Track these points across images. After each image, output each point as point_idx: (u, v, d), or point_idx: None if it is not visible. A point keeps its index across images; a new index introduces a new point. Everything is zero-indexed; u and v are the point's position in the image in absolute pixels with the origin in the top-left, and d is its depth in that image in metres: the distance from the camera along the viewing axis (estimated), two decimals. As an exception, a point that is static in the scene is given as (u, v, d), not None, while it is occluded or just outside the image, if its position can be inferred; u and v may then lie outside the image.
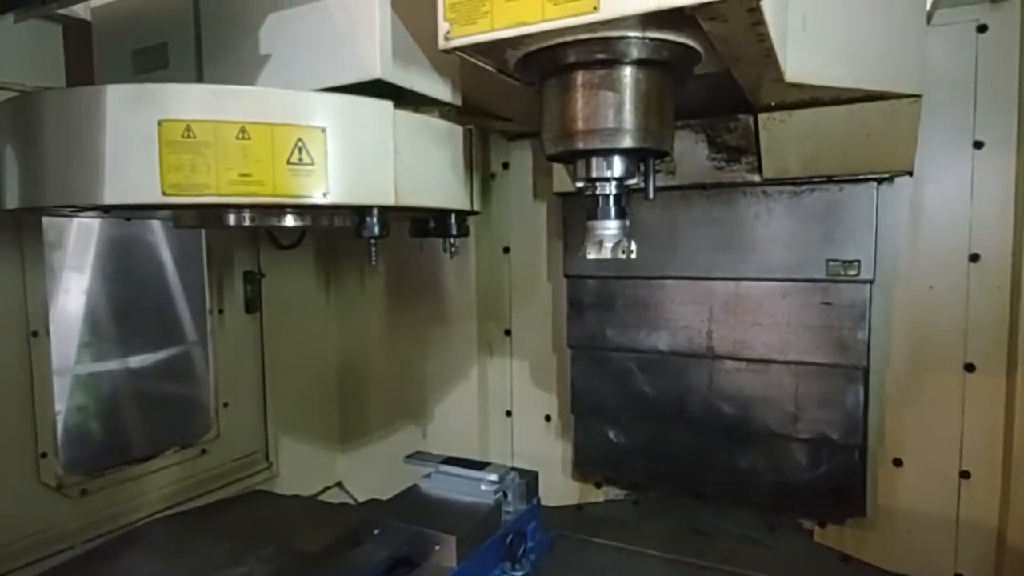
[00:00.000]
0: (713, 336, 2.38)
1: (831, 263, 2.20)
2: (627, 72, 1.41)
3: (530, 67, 1.48)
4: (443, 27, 1.38)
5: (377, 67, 1.57)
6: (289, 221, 1.85)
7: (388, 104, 1.59)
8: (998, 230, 2.20)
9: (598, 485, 2.88)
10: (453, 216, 2.05)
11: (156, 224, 3.88)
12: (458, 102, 1.83)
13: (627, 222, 1.60)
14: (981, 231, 2.23)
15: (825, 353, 2.24)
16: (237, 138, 1.42)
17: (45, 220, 2.46)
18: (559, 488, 2.92)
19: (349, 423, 3.51)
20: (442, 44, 1.39)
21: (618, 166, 1.48)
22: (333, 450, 3.50)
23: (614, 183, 1.51)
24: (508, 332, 3.12)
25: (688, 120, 2.23)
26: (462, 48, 1.39)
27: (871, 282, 2.17)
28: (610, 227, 1.58)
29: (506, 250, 3.08)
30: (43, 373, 2.34)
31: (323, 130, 1.48)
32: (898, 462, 2.38)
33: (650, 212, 2.37)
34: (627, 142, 1.42)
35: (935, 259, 2.29)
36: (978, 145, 2.22)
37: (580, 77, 1.43)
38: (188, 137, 1.40)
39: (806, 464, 2.33)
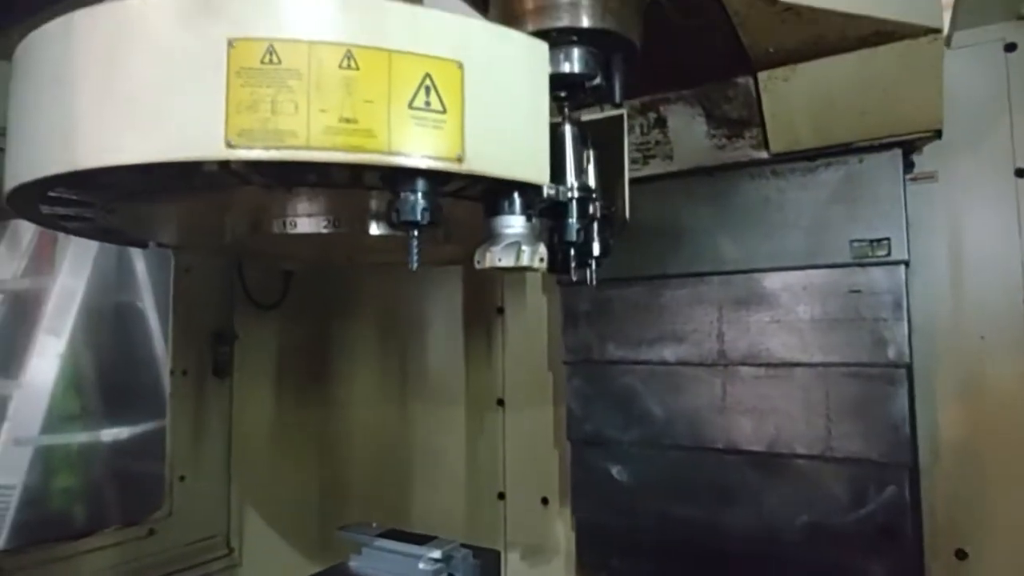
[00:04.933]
0: (725, 339, 2.06)
1: (856, 244, 1.90)
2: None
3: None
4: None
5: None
6: (374, 229, 1.30)
7: (543, 45, 1.17)
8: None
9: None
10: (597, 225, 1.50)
11: (144, 286, 3.73)
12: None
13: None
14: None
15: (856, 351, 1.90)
16: (340, 67, 0.99)
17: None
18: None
19: (328, 503, 3.15)
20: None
21: (576, 56, 1.23)
22: (309, 534, 3.07)
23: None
24: (501, 402, 2.79)
25: (681, 91, 2.01)
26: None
27: (906, 262, 1.86)
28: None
29: (500, 311, 2.81)
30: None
31: (459, 65, 1.06)
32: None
33: (647, 203, 2.09)
34: (584, 20, 1.20)
35: (984, 306, 2.01)
36: (1020, 173, 1.99)
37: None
38: (270, 63, 0.98)
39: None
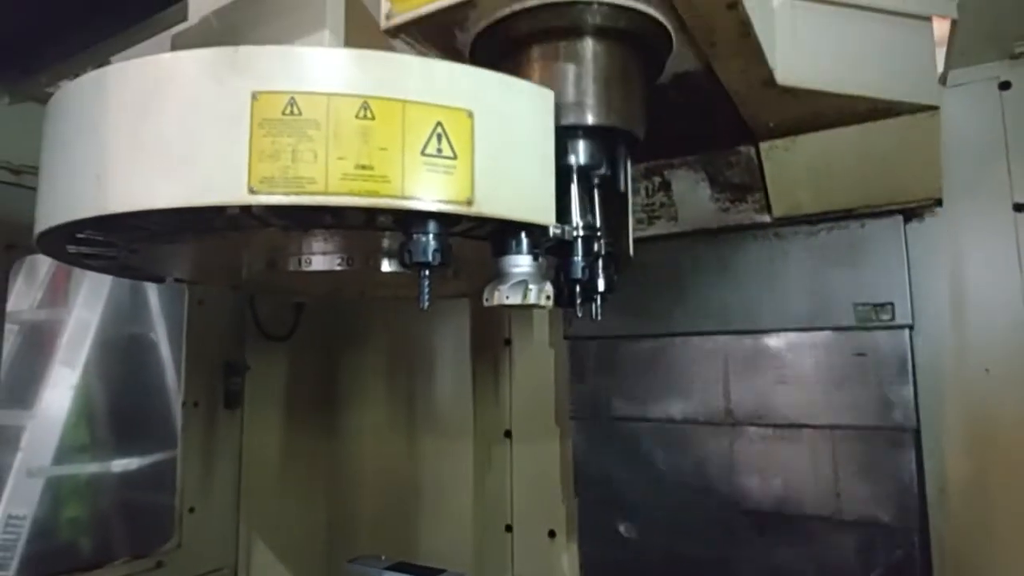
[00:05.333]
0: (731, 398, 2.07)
1: (860, 307, 1.92)
2: (587, 44, 1.26)
3: (482, 51, 1.33)
4: (385, 6, 1.29)
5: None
6: (386, 267, 1.38)
7: (549, 93, 1.22)
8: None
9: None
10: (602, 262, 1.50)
11: (157, 318, 3.78)
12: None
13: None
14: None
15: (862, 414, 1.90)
16: (357, 117, 1.06)
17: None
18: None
19: (336, 535, 3.14)
20: (384, 25, 1.28)
21: (583, 150, 1.28)
22: (317, 566, 3.07)
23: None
24: (508, 434, 2.80)
25: (686, 157, 2.04)
26: (405, 27, 1.28)
27: (910, 327, 1.87)
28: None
29: (507, 342, 2.82)
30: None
31: (469, 114, 1.11)
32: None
33: (654, 264, 2.13)
34: (589, 118, 1.24)
35: (987, 339, 2.01)
36: (1019, 208, 2.00)
37: (535, 52, 1.27)
38: (291, 114, 1.05)
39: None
